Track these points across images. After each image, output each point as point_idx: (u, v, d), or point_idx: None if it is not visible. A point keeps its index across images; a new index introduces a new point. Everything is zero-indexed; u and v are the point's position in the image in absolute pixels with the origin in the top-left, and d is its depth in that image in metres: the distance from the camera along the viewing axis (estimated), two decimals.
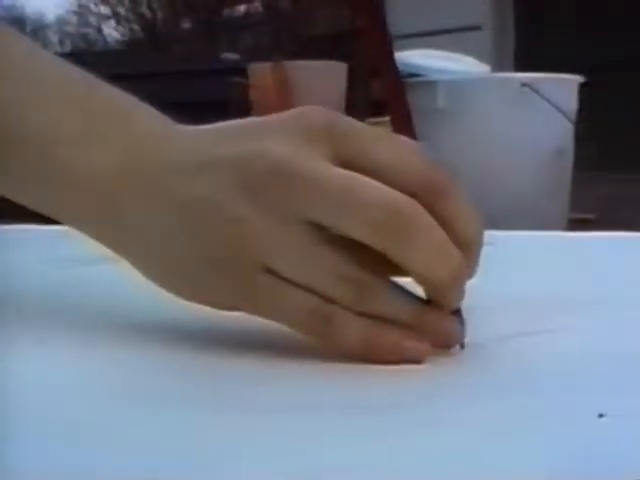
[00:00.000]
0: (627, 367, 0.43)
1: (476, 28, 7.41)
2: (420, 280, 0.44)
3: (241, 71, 4.96)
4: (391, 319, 0.44)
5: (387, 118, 4.31)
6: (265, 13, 10.98)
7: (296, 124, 0.45)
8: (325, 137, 0.44)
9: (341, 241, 0.43)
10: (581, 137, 3.74)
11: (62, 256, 0.65)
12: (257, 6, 11.33)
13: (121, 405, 0.38)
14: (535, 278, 0.64)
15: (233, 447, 0.34)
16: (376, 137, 0.45)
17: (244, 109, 4.87)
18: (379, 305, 0.44)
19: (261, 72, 4.60)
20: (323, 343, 0.44)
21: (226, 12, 11.77)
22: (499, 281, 0.59)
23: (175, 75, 7.53)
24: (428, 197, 0.43)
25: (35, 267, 0.65)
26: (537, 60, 5.01)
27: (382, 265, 0.44)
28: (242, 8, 11.70)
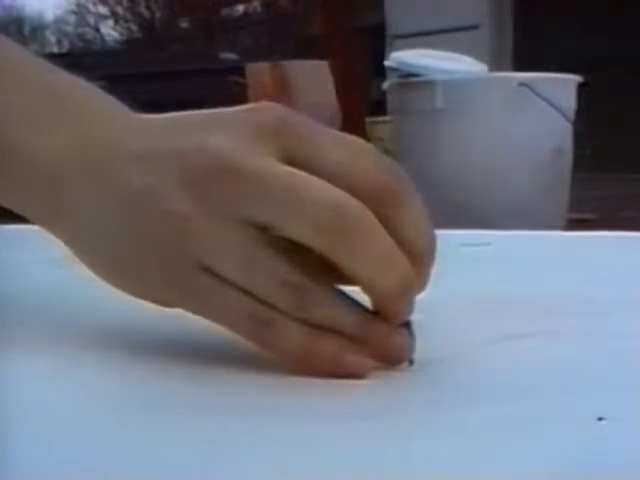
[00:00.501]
0: (626, 368, 0.43)
1: (474, 28, 7.41)
2: (365, 288, 0.41)
3: (239, 70, 4.97)
4: (333, 329, 0.41)
5: (387, 117, 4.32)
6: (263, 13, 10.98)
7: (247, 119, 0.43)
8: (275, 135, 0.42)
9: (285, 244, 0.41)
10: (580, 137, 3.74)
11: (62, 256, 0.65)
12: (255, 6, 11.33)
13: (121, 406, 0.38)
14: (534, 278, 0.64)
15: (230, 450, 0.33)
16: (329, 138, 0.42)
17: None
18: (320, 313, 0.41)
19: (259, 72, 4.60)
20: (261, 348, 0.42)
21: (224, 12, 11.77)
22: (498, 281, 0.59)
23: (173, 75, 7.54)
24: (379, 204, 0.41)
25: (35, 267, 0.65)
26: (535, 60, 5.01)
27: (328, 271, 0.41)
28: (240, 8, 11.71)
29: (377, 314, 0.42)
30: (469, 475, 0.31)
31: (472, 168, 3.62)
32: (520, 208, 3.48)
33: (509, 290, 0.58)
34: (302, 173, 0.41)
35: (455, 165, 3.65)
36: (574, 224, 3.63)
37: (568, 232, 0.98)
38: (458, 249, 0.73)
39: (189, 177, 0.42)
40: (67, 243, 0.46)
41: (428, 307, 0.48)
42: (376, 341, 0.42)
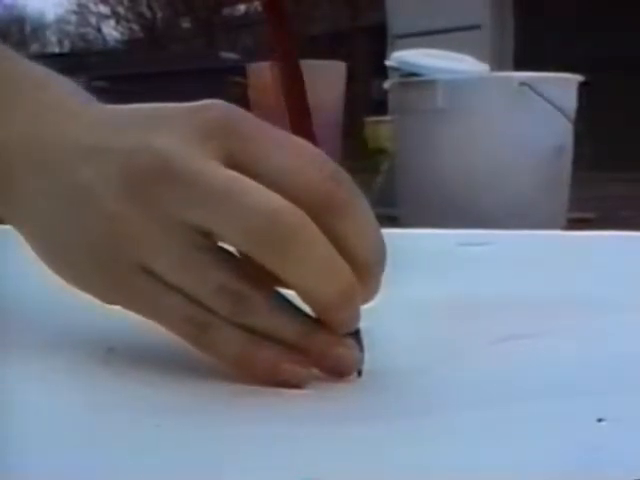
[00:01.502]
0: (626, 369, 0.43)
1: (475, 27, 7.41)
2: (303, 297, 0.40)
3: (240, 70, 4.96)
4: (273, 336, 0.40)
5: (388, 117, 4.31)
6: (264, 13, 10.95)
7: (193, 118, 0.41)
8: (220, 135, 0.41)
9: (224, 248, 0.41)
10: (580, 136, 3.73)
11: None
12: (257, 5, 11.32)
13: (121, 407, 0.38)
14: (534, 278, 0.64)
15: (227, 452, 0.34)
16: (277, 141, 0.41)
17: (243, 108, 4.86)
18: (258, 319, 0.40)
19: (260, 71, 4.60)
20: (199, 350, 0.41)
21: (225, 11, 11.76)
22: (497, 281, 0.59)
23: (174, 74, 7.54)
24: (321, 212, 0.40)
25: (35, 268, 0.65)
26: (536, 59, 5.01)
27: (273, 278, 0.40)
28: (242, 7, 11.70)
29: (322, 323, 0.41)
30: (469, 474, 0.31)
31: (473, 167, 3.62)
32: (520, 208, 3.48)
33: (509, 290, 0.58)
34: (243, 178, 0.40)
35: (456, 164, 3.65)
36: (574, 223, 3.63)
37: (568, 232, 0.98)
38: (458, 249, 0.73)
39: (130, 178, 0.41)
40: (17, 228, 0.46)
41: (428, 306, 0.48)
42: (317, 351, 0.41)
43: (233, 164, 0.40)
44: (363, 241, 0.41)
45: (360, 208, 0.41)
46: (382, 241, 0.41)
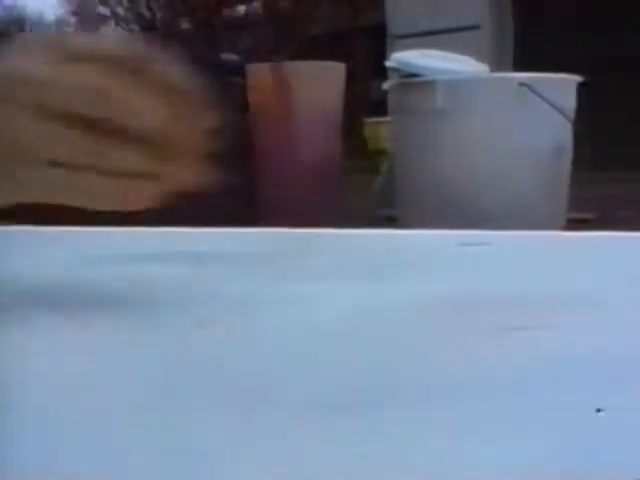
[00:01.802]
0: (624, 366, 0.43)
1: (475, 28, 7.39)
2: None
3: (239, 71, 4.96)
4: None
5: (388, 118, 4.31)
6: (264, 13, 10.95)
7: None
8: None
9: None
10: (579, 137, 3.73)
11: (64, 258, 0.66)
12: (256, 6, 11.30)
13: (121, 407, 0.38)
14: (533, 278, 0.64)
15: (227, 448, 0.34)
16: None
17: (243, 109, 4.86)
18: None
19: (260, 72, 4.59)
20: None
21: (225, 12, 11.74)
22: (497, 280, 0.59)
23: None
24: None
25: (36, 268, 0.65)
26: (536, 60, 5.01)
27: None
28: (242, 8, 11.68)
29: None
30: (468, 466, 0.31)
31: (472, 168, 3.61)
32: (520, 208, 3.48)
33: (508, 289, 0.59)
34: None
35: (455, 165, 3.64)
36: (573, 224, 3.63)
37: (567, 232, 0.98)
38: (458, 249, 0.73)
39: None
40: None
41: (428, 306, 0.48)
42: None
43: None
44: None
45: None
46: None
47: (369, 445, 0.34)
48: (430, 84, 3.69)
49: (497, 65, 6.14)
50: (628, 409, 0.37)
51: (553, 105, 3.57)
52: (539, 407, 0.38)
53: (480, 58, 4.21)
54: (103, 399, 0.39)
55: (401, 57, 3.95)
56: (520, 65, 5.93)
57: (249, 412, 0.37)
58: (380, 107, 4.89)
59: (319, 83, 4.38)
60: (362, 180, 4.49)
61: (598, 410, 0.36)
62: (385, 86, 4.11)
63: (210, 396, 0.39)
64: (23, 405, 0.38)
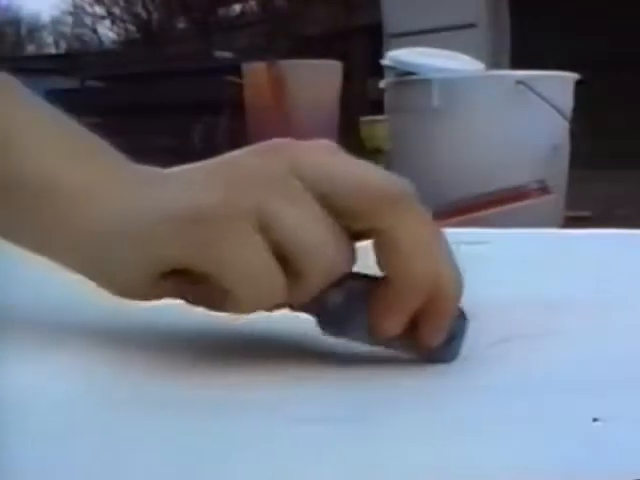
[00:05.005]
0: (623, 368, 0.43)
1: (472, 26, 7.41)
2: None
3: (236, 70, 4.97)
4: None
5: (384, 116, 4.32)
6: (260, 12, 10.98)
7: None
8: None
9: None
10: (576, 135, 3.74)
11: None
12: (252, 5, 11.33)
13: (120, 407, 0.38)
14: (531, 277, 0.64)
15: (227, 451, 0.34)
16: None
17: (238, 108, 4.88)
18: None
19: (256, 71, 4.60)
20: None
21: (221, 11, 11.77)
22: (495, 280, 0.59)
23: (170, 75, 7.53)
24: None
25: (35, 269, 0.65)
26: (533, 58, 5.01)
27: None
28: (237, 7, 11.70)
29: None
30: (467, 473, 0.31)
31: (469, 166, 3.62)
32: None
33: (508, 289, 0.59)
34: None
35: (452, 163, 3.65)
36: (571, 222, 3.63)
37: (565, 230, 0.98)
38: (456, 247, 0.73)
39: None
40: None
41: None
42: None
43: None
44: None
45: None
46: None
47: (368, 449, 0.33)
48: (426, 82, 3.70)
49: (494, 63, 6.16)
50: (627, 412, 0.37)
51: (550, 103, 3.58)
52: (539, 408, 0.37)
53: (477, 56, 4.22)
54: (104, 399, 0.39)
55: (397, 55, 3.96)
56: (517, 63, 5.95)
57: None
58: (376, 106, 4.90)
59: (315, 82, 4.39)
60: None
61: (595, 420, 0.35)
62: (381, 85, 4.12)
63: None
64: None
